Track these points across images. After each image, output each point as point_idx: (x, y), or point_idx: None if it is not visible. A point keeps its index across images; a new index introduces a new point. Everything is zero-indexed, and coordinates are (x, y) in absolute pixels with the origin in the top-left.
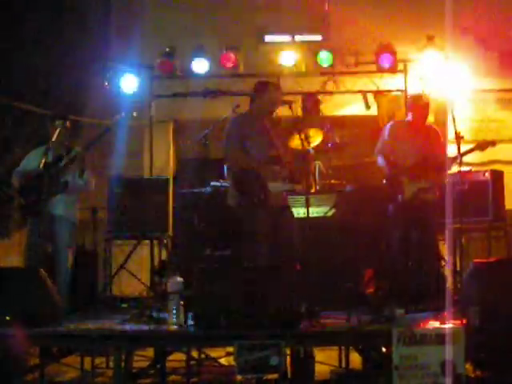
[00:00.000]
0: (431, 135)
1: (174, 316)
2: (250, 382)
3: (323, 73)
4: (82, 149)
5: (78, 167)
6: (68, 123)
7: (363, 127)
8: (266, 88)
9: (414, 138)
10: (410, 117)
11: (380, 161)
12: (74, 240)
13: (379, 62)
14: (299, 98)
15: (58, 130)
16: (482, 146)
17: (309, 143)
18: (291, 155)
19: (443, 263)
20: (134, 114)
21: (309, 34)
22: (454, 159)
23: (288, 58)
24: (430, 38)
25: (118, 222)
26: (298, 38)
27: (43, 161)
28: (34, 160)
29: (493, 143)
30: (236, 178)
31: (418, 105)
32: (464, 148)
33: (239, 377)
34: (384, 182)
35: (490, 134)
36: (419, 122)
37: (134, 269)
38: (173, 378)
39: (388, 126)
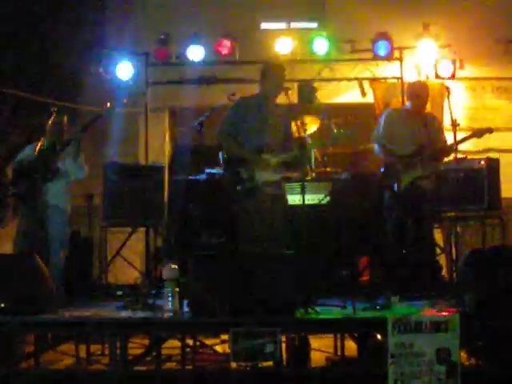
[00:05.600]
0: (429, 123)
1: (170, 303)
2: (245, 370)
3: (319, 60)
4: (76, 133)
5: (72, 152)
6: (65, 118)
7: (359, 114)
8: (269, 70)
9: (412, 125)
10: (408, 104)
11: (377, 149)
12: (67, 228)
13: (375, 49)
14: (295, 85)
15: (53, 118)
16: (478, 133)
17: (305, 130)
18: (294, 144)
19: (439, 251)
20: (124, 100)
21: (305, 22)
22: (450, 147)
23: (284, 45)
24: (426, 26)
25: (114, 209)
26: (294, 25)
27: (37, 147)
28: (30, 152)
29: (489, 130)
30: (225, 164)
31: (418, 92)
32: (460, 136)
33: (234, 364)
34: (381, 170)
35: (486, 122)
36: (418, 110)
37: (130, 256)
38: (168, 365)
39: (385, 113)
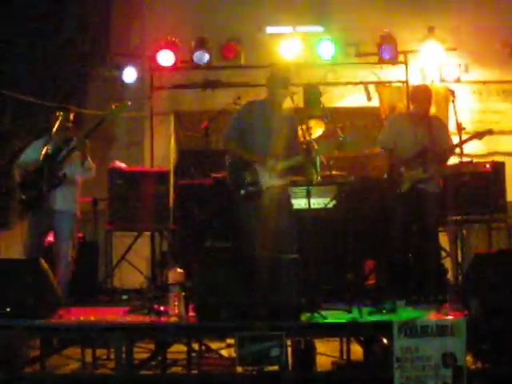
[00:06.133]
0: (434, 126)
1: (175, 307)
2: (250, 374)
3: (324, 64)
4: (82, 137)
5: (79, 157)
6: (71, 116)
7: (365, 118)
8: (275, 75)
9: (416, 129)
10: (412, 108)
11: (382, 153)
12: (75, 233)
13: (380, 53)
14: (300, 89)
15: (58, 122)
16: (479, 134)
17: (310, 135)
18: (300, 148)
19: (444, 255)
20: (129, 103)
21: (310, 26)
22: (453, 149)
23: (289, 50)
24: (431, 29)
25: (119, 213)
26: (299, 29)
27: (43, 153)
28: (34, 152)
29: (490, 132)
30: (229, 168)
31: (420, 95)
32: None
33: (240, 368)
34: (385, 174)
35: (491, 125)
36: (421, 113)
37: (135, 260)
38: (174, 369)
39: (389, 118)
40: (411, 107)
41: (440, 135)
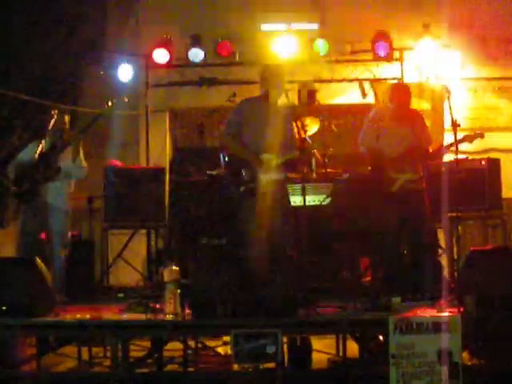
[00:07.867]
0: (416, 121)
1: (171, 305)
2: (246, 371)
3: (319, 61)
4: (77, 132)
5: (71, 152)
6: (66, 116)
7: (360, 116)
8: (269, 73)
9: (399, 125)
10: (391, 106)
11: (363, 151)
12: (68, 228)
13: (375, 50)
14: (295, 87)
15: (53, 120)
16: (469, 138)
17: (305, 132)
18: (295, 145)
19: (440, 251)
20: (126, 99)
21: (305, 23)
22: (446, 148)
23: (284, 47)
24: (426, 26)
25: (115, 211)
26: (294, 26)
27: (38, 150)
28: (30, 153)
29: (481, 135)
30: (227, 166)
31: (398, 95)
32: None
33: (236, 366)
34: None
35: (487, 122)
36: (401, 110)
37: (131, 258)
38: (170, 367)
39: (368, 117)
40: (389, 104)
41: (419, 131)
